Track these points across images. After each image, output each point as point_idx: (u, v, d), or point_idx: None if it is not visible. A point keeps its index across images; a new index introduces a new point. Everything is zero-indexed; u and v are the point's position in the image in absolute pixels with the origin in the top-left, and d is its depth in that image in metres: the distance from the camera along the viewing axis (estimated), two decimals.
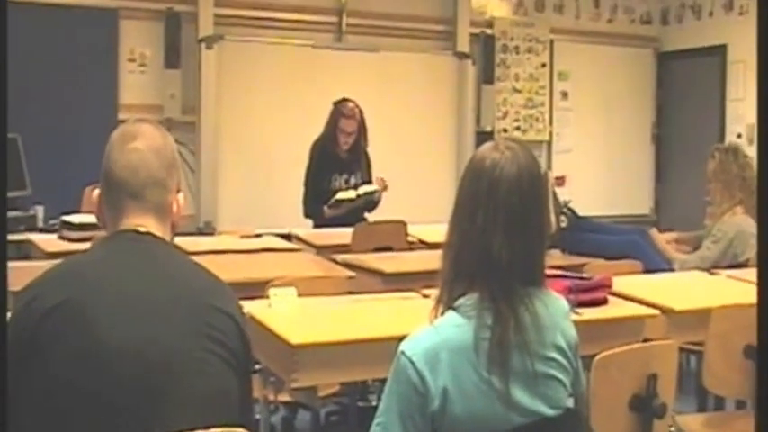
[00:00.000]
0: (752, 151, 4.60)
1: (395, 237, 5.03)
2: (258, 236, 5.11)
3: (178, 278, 1.77)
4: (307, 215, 5.68)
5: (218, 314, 1.73)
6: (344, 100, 5.73)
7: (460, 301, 1.85)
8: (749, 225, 4.54)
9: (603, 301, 3.29)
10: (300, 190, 5.71)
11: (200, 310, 1.72)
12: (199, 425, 1.61)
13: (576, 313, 2.96)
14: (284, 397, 3.18)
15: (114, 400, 1.60)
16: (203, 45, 7.02)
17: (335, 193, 5.62)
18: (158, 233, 1.83)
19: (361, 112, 5.69)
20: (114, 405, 1.60)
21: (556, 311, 1.92)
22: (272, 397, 3.08)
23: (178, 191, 1.90)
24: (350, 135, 5.65)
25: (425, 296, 3.21)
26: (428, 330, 1.83)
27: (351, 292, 3.61)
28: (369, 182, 5.77)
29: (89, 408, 1.60)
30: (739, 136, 7.89)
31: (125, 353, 1.62)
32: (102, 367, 1.61)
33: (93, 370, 1.60)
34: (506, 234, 1.83)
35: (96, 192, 1.86)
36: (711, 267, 4.42)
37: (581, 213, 5.11)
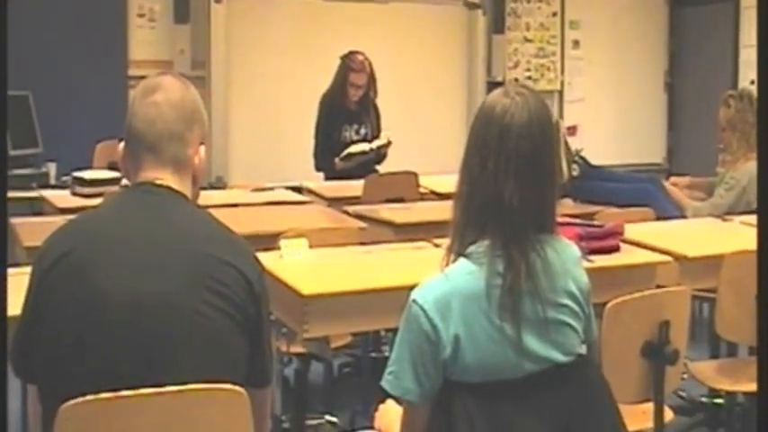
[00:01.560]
0: None
1: (406, 188, 5.01)
2: (269, 189, 5.10)
3: (184, 230, 1.76)
4: (318, 168, 5.67)
5: (223, 267, 1.72)
6: (353, 53, 5.68)
7: (471, 248, 1.83)
8: None
9: (615, 249, 3.27)
10: (311, 143, 5.69)
11: (202, 261, 1.71)
12: (195, 377, 1.61)
13: (588, 260, 2.95)
14: (297, 348, 3.19)
15: (110, 348, 1.61)
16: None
17: (347, 144, 5.60)
18: (176, 186, 1.81)
19: (370, 64, 5.65)
20: (111, 353, 1.61)
21: (567, 258, 1.90)
22: (284, 348, 3.09)
23: (201, 143, 1.87)
24: (359, 88, 5.62)
25: (437, 246, 3.20)
26: (439, 278, 1.82)
27: (362, 243, 3.60)
28: (378, 133, 5.74)
29: (88, 356, 1.62)
30: (752, 82, 7.80)
31: (119, 301, 1.63)
32: (97, 316, 1.63)
33: (89, 319, 1.63)
34: (517, 180, 1.81)
35: (122, 144, 1.86)
36: (725, 214, 4.39)
37: (593, 162, 5.07)
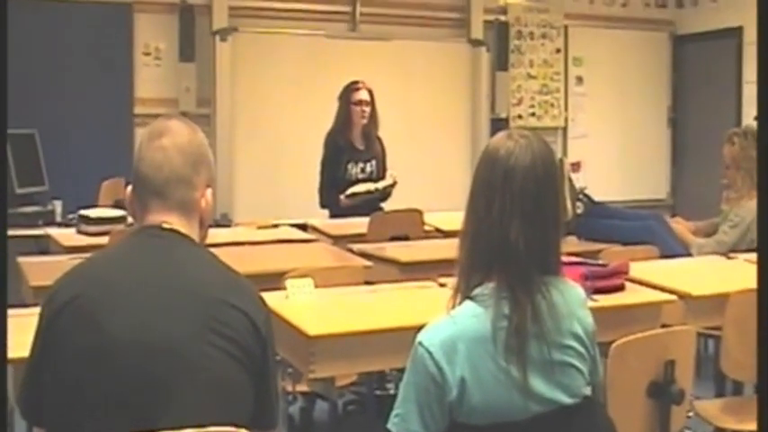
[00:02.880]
0: None
1: (411, 225, 5.03)
2: (275, 226, 5.12)
3: (190, 273, 1.77)
4: (322, 205, 5.68)
5: (228, 310, 1.73)
6: (351, 82, 5.73)
7: (477, 290, 1.85)
8: None
9: (620, 288, 3.28)
10: (316, 180, 5.71)
11: (208, 304, 1.72)
12: (200, 420, 1.62)
13: (593, 300, 2.96)
14: (302, 387, 3.19)
15: (118, 392, 1.62)
16: (217, 37, 7.03)
17: (352, 182, 5.61)
18: (183, 229, 1.83)
19: (371, 91, 5.69)
20: (118, 398, 1.62)
21: (572, 300, 1.92)
22: (289, 388, 3.09)
23: (208, 186, 1.89)
24: (366, 105, 5.62)
25: (442, 285, 3.21)
26: (445, 320, 1.84)
27: (368, 282, 3.61)
28: (384, 170, 5.77)
29: (95, 401, 1.63)
30: (756, 119, 7.79)
31: (127, 346, 1.64)
32: (105, 360, 1.64)
33: (97, 364, 1.64)
34: (522, 222, 1.83)
35: (129, 188, 1.88)
36: (729, 252, 4.39)
37: (597, 199, 5.08)
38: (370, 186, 5.60)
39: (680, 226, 4.89)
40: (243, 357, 1.72)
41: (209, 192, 1.88)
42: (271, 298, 2.94)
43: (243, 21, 7.17)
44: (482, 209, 1.87)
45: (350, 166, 5.68)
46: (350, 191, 5.55)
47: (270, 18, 7.28)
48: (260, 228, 5.04)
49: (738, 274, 3.84)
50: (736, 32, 8.22)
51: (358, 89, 5.66)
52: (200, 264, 1.82)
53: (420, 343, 1.82)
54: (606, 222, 4.82)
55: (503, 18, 8.19)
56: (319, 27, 7.41)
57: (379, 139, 5.81)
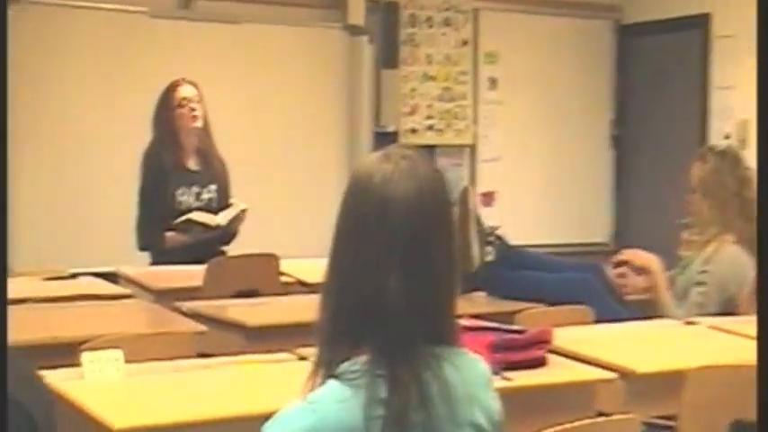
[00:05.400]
0: (748, 155, 4.65)
1: (263, 276, 5.05)
2: (71, 277, 5.04)
3: None
4: (142, 246, 5.65)
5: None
6: (173, 82, 5.76)
7: (344, 366, 1.86)
8: (744, 262, 4.56)
9: (541, 362, 3.34)
10: (132, 212, 5.66)
11: None
12: None
13: (504, 378, 3.01)
14: None
15: None
16: None
17: (184, 213, 5.58)
18: None
19: (196, 86, 5.70)
20: None
21: (473, 378, 1.94)
22: None
23: None
24: (194, 102, 5.63)
25: (303, 359, 3.21)
26: (301, 408, 1.84)
27: (202, 355, 3.59)
28: (226, 199, 5.76)
29: None
30: (727, 137, 7.93)
31: None
32: None
33: None
34: (404, 273, 1.85)
35: None
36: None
37: (513, 242, 5.18)
38: (210, 219, 5.58)
39: (651, 278, 4.81)
40: None
41: None
42: (60, 378, 2.90)
43: None
44: (350, 254, 1.88)
45: (179, 193, 5.65)
46: (185, 217, 5.52)
47: None
48: (48, 279, 4.95)
49: (699, 345, 3.96)
50: (702, 22, 8.37)
51: (178, 86, 5.70)
52: None
53: None
54: (525, 274, 4.90)
55: None
56: (140, 2, 7.37)
57: (219, 158, 5.84)
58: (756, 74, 2.85)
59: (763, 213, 2.50)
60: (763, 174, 2.65)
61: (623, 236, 8.95)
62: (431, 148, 8.14)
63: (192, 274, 4.92)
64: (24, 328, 3.49)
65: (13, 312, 3.82)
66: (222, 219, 5.65)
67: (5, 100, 1.84)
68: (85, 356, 3.03)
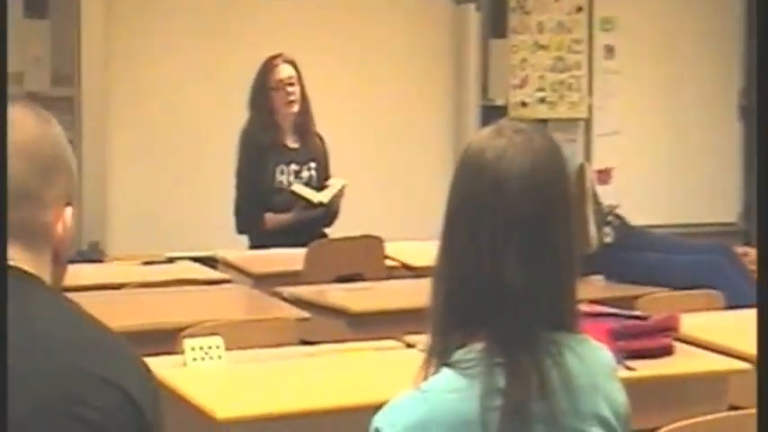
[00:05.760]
0: None
1: (366, 259, 5.07)
2: (168, 261, 5.11)
3: (38, 332, 1.76)
4: (241, 229, 5.71)
5: (96, 385, 1.72)
6: (270, 58, 5.79)
7: (459, 354, 1.86)
8: None
9: (668, 351, 3.32)
10: (229, 194, 5.71)
11: (65, 377, 1.71)
12: None
13: (627, 368, 2.99)
14: None
15: None
16: None
17: (283, 192, 5.63)
18: (29, 267, 1.82)
19: (294, 64, 5.73)
20: None
21: (596, 367, 1.94)
22: None
23: (67, 204, 1.88)
24: (290, 85, 5.66)
25: (410, 346, 3.23)
26: (413, 397, 1.85)
27: (304, 342, 3.63)
28: (327, 177, 5.79)
29: None
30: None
31: None
32: None
33: None
34: (522, 254, 1.85)
35: None
36: None
37: (634, 223, 5.14)
38: (313, 195, 5.60)
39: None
40: None
41: (68, 212, 1.88)
42: (161, 365, 2.95)
43: None
44: (463, 238, 1.88)
45: (278, 172, 5.70)
46: (290, 188, 5.57)
47: None
48: (145, 263, 5.04)
49: None
50: None
51: (275, 66, 5.73)
52: (54, 318, 1.81)
53: (377, 430, 1.83)
54: (647, 256, 4.87)
55: None
56: None
57: (318, 135, 5.88)
58: (756, 73, 2.78)
59: (764, 213, 2.45)
60: (763, 173, 2.58)
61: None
62: (542, 122, 8.07)
63: (293, 258, 4.97)
64: (122, 313, 3.57)
65: (110, 298, 3.94)
66: (324, 196, 5.67)
67: (5, 100, 1.85)
68: (187, 343, 3.08)
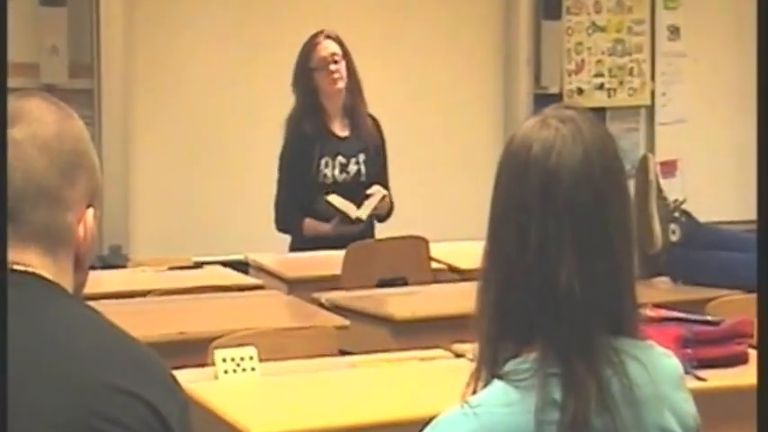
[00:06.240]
0: None
1: (410, 262, 5.07)
2: (196, 266, 5.13)
3: (59, 342, 1.77)
4: (281, 227, 5.71)
5: (120, 398, 1.73)
6: (312, 36, 5.78)
7: (511, 365, 1.86)
8: None
9: (741, 359, 3.31)
10: (262, 193, 5.72)
11: (87, 390, 1.72)
12: None
13: (697, 378, 2.98)
14: None
15: None
16: None
17: (327, 188, 5.62)
18: (48, 273, 1.83)
19: (339, 40, 5.72)
20: None
21: (661, 376, 1.93)
22: None
23: (89, 205, 1.89)
24: (335, 62, 5.64)
25: (459, 356, 3.24)
26: (461, 412, 1.85)
27: (343, 352, 3.64)
28: (384, 169, 5.80)
29: None
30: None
31: None
32: None
33: None
34: (577, 255, 1.84)
35: None
36: None
37: (703, 219, 5.12)
38: (351, 210, 5.54)
39: None
40: None
41: (89, 213, 1.89)
42: (191, 378, 2.96)
43: None
44: (510, 239, 1.87)
45: (323, 164, 5.70)
46: (324, 198, 5.54)
47: None
48: (171, 269, 5.07)
49: None
50: None
51: (316, 44, 5.70)
52: (76, 327, 1.82)
53: None
54: (717, 256, 4.85)
55: None
56: None
57: (372, 117, 5.85)
58: (756, 73, 2.75)
59: (764, 213, 2.44)
60: (763, 173, 2.57)
61: None
62: (601, 110, 8.05)
63: (330, 261, 4.97)
64: (147, 323, 3.59)
65: (134, 306, 3.96)
66: (363, 212, 5.59)
67: (5, 99, 1.85)
68: (218, 354, 3.10)
